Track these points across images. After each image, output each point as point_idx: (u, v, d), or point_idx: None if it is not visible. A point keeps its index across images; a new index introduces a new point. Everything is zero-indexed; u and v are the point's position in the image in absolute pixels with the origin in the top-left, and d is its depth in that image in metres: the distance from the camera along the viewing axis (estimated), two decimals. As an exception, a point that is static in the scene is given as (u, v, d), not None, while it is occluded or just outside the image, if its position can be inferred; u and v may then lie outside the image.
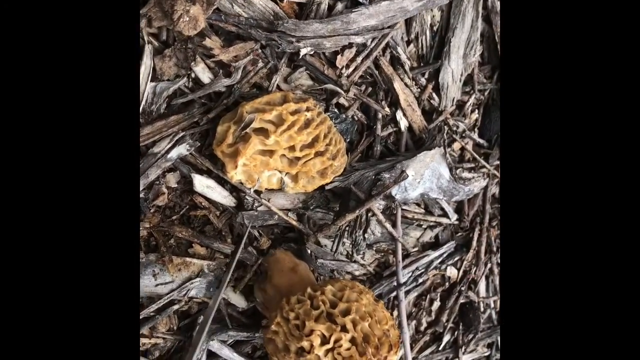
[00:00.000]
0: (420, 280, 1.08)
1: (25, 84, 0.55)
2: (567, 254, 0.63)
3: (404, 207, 1.03)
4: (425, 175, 0.94)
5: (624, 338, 0.60)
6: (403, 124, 0.98)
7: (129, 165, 0.59)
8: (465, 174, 1.06)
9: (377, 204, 0.92)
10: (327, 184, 0.89)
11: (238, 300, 0.92)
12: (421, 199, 0.99)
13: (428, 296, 1.11)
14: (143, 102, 0.81)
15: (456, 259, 1.11)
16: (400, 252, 1.01)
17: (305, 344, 0.70)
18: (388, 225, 0.95)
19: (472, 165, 1.08)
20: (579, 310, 0.62)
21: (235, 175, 0.80)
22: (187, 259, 0.87)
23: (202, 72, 0.83)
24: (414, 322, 1.10)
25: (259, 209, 0.87)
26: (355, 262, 0.99)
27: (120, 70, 0.59)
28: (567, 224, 0.63)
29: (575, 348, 0.62)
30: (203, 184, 0.86)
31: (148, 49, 0.79)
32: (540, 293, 0.64)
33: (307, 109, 0.81)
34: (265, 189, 0.86)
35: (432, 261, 1.08)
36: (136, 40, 0.78)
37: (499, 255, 1.15)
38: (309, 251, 0.93)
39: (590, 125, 0.63)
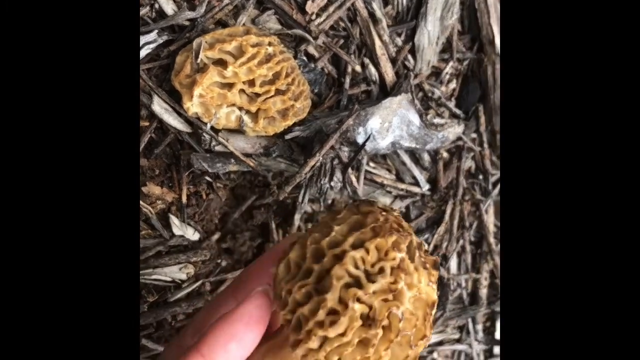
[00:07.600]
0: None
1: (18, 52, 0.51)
2: (569, 257, 0.58)
3: (373, 171, 1.00)
4: (394, 123, 0.91)
5: (626, 340, 0.56)
6: (373, 73, 0.95)
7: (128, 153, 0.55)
8: (437, 120, 1.02)
9: (343, 151, 0.89)
10: (287, 133, 0.86)
11: (185, 231, 0.88)
12: (393, 148, 0.95)
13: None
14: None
15: (426, 234, 1.07)
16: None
17: None
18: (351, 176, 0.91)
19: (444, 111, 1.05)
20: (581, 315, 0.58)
21: (192, 107, 0.78)
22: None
23: (166, 2, 0.81)
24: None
25: (215, 148, 0.84)
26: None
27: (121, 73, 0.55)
28: (570, 226, 0.58)
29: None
30: (162, 107, 0.82)
31: (111, -25, 0.78)
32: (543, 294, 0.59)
33: (269, 44, 0.79)
34: (224, 128, 0.83)
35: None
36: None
37: (471, 232, 1.11)
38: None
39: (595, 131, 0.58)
